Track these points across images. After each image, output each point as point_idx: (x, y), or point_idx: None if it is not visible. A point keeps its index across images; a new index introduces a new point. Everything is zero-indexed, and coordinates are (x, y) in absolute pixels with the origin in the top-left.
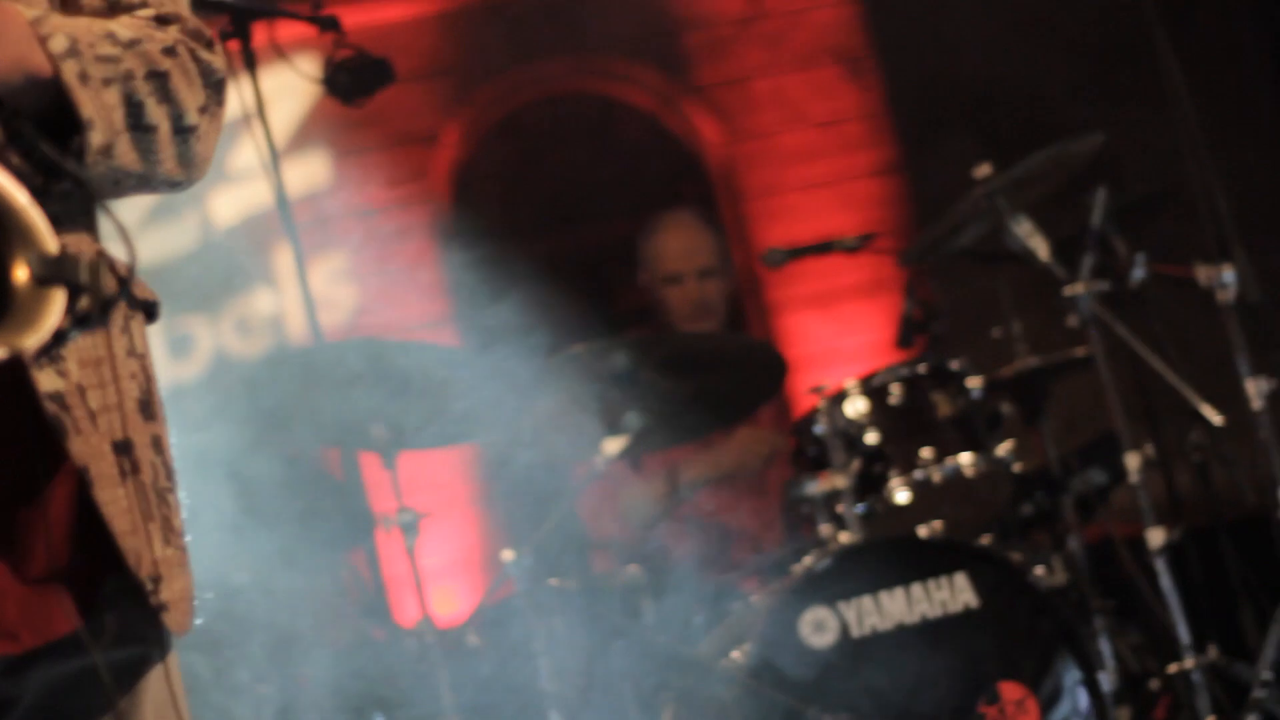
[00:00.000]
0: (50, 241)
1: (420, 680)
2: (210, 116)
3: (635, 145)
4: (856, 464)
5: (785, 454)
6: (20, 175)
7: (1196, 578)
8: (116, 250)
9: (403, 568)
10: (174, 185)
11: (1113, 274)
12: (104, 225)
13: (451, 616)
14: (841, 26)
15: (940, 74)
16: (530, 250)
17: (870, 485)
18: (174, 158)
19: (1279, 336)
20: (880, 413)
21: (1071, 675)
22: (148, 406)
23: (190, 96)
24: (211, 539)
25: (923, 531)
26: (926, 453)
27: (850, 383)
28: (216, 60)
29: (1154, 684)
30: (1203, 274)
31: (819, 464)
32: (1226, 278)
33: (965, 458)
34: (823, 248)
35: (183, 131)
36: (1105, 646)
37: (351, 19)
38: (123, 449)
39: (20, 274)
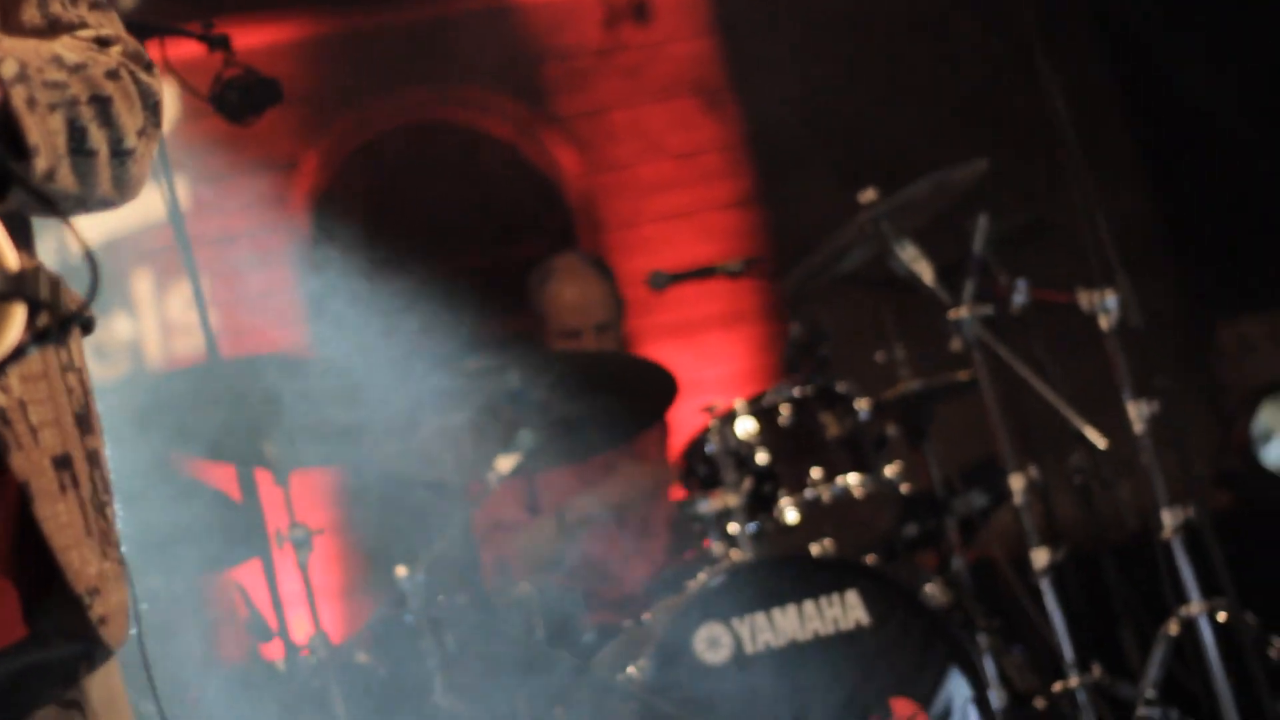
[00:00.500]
0: (10, 257)
1: (313, 697)
2: (147, 139)
3: (495, 175)
4: (748, 483)
5: (669, 486)
6: None
7: (1079, 599)
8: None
9: (295, 585)
10: (107, 205)
11: (994, 299)
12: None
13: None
14: (700, 59)
15: (798, 107)
16: (387, 279)
17: (760, 504)
18: (110, 180)
19: (1160, 361)
20: (770, 432)
21: (962, 693)
22: (85, 420)
23: (130, 120)
24: None
25: (815, 550)
26: (816, 473)
27: (739, 402)
28: (155, 83)
29: (1039, 702)
30: (1085, 299)
31: (710, 483)
32: (1109, 303)
33: (854, 478)
34: (706, 272)
35: (120, 155)
36: (990, 664)
37: (186, 49)
38: (62, 464)
39: None
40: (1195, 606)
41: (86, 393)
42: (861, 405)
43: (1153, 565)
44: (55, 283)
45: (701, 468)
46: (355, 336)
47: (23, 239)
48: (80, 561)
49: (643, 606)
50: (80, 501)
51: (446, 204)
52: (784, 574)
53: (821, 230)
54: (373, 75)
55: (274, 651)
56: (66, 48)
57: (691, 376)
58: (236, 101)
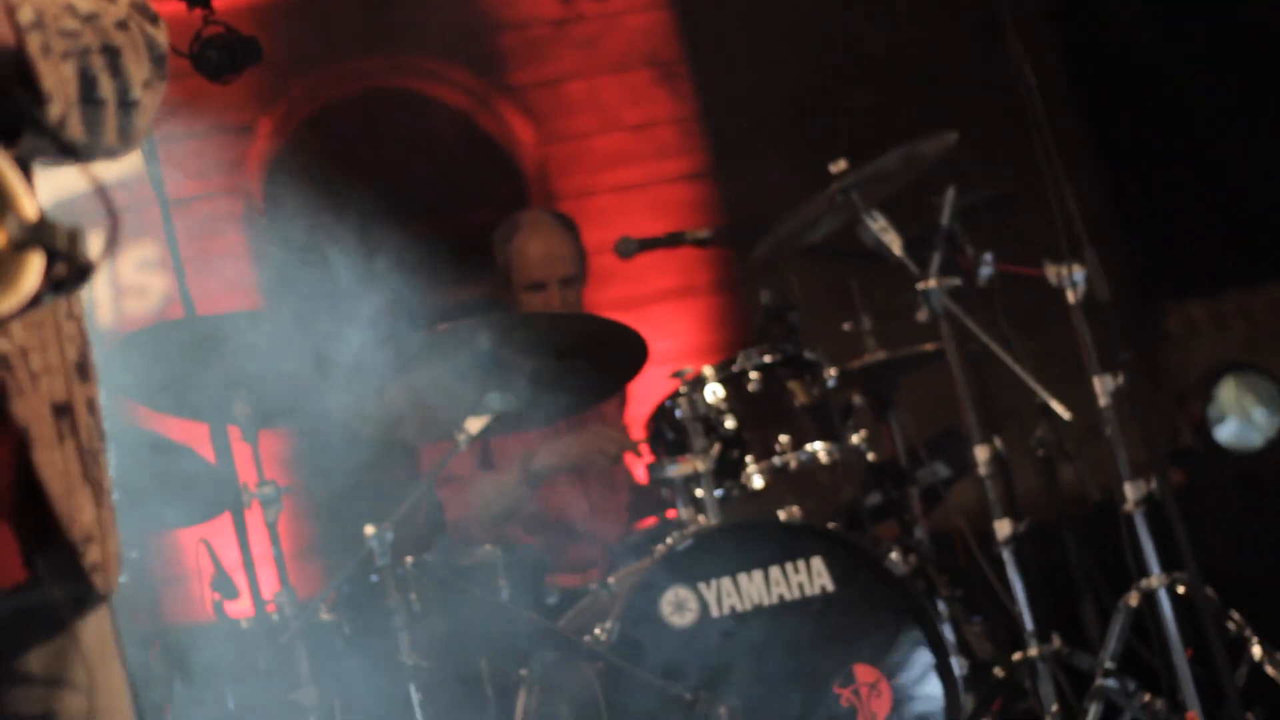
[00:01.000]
0: (29, 206)
1: (278, 654)
2: (152, 92)
3: (449, 144)
4: (715, 448)
5: (635, 451)
6: None
7: (1040, 570)
8: None
9: (262, 542)
10: (111, 155)
11: (961, 271)
12: None
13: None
14: (655, 32)
15: (752, 82)
16: (342, 245)
17: (728, 470)
18: (115, 130)
19: (1126, 335)
20: (738, 399)
21: (924, 660)
22: (84, 368)
23: (137, 71)
24: None
25: (782, 516)
26: (783, 440)
27: (708, 368)
28: (160, 35)
29: (998, 671)
30: (1053, 273)
31: (678, 448)
32: (1076, 277)
33: (820, 446)
34: (674, 240)
35: (127, 106)
36: (950, 634)
37: (167, 7)
38: (61, 411)
39: None
40: (1156, 579)
41: (85, 341)
42: (830, 374)
43: (1113, 537)
44: (74, 233)
45: (669, 433)
46: (307, 299)
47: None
48: (76, 509)
49: (605, 567)
50: (77, 449)
51: (400, 172)
52: (750, 539)
53: (775, 204)
54: (328, 42)
55: (240, 609)
56: None
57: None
58: (216, 60)
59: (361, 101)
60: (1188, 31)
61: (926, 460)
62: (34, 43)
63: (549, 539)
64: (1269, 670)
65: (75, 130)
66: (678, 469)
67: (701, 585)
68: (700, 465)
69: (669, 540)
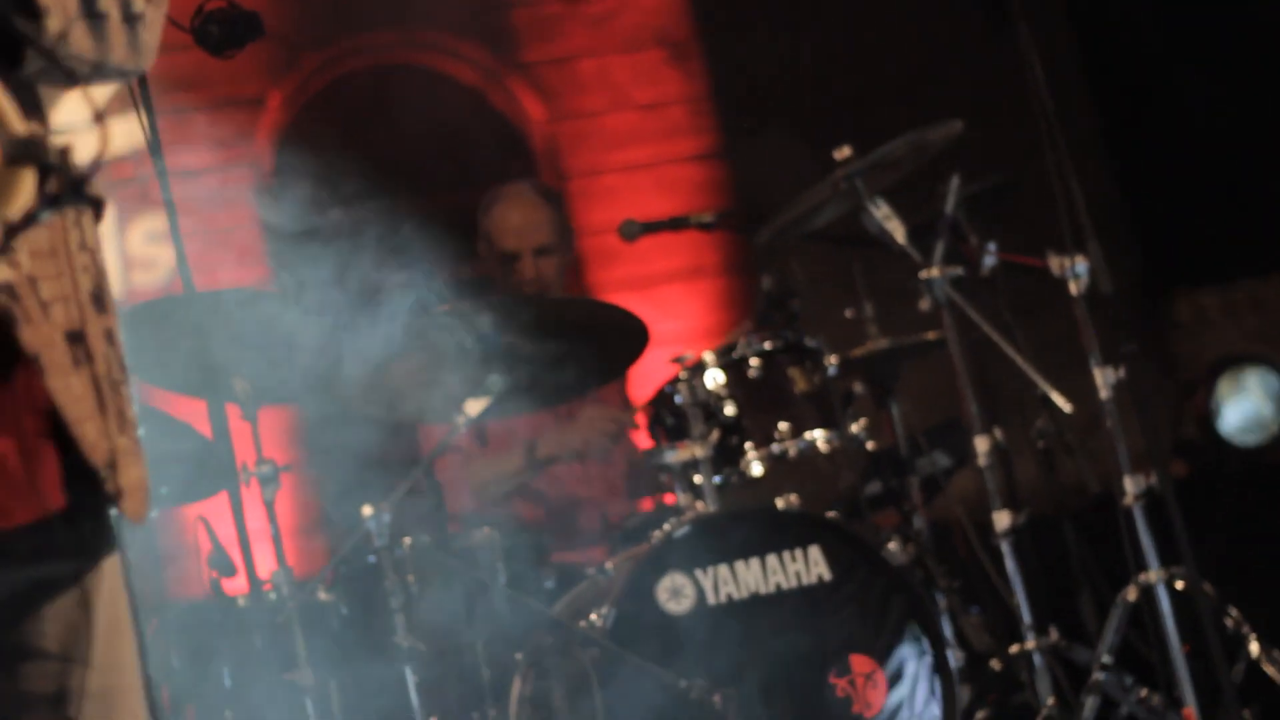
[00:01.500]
0: (17, 123)
1: (275, 633)
2: (155, 6)
3: (459, 120)
4: (715, 435)
5: (632, 432)
6: None
7: (1039, 562)
8: None
9: (259, 520)
10: (124, 75)
11: (964, 261)
12: None
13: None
14: (667, 11)
15: (764, 63)
16: (352, 220)
17: (727, 456)
18: (125, 45)
19: (1128, 328)
20: (738, 385)
21: (919, 651)
22: (100, 299)
23: None
24: None
25: (779, 504)
26: (783, 427)
27: (709, 354)
28: None
29: (995, 664)
30: (1056, 264)
31: (677, 434)
32: (1079, 268)
33: (820, 434)
34: (678, 223)
35: (131, 20)
36: (948, 625)
37: None
38: (75, 339)
39: None
40: (1154, 574)
41: (100, 273)
42: (830, 361)
43: (1112, 531)
44: (64, 149)
45: (669, 418)
46: (315, 275)
47: (33, 109)
48: (96, 434)
49: (607, 545)
50: (94, 377)
51: (410, 147)
52: (748, 527)
53: (784, 187)
54: (340, 16)
55: (237, 587)
56: None
57: (650, 330)
58: (217, 35)
59: (372, 76)
60: (1202, 20)
61: (926, 450)
62: None
63: (549, 514)
64: (1266, 668)
65: (82, 45)
66: (676, 455)
67: (699, 572)
68: (699, 451)
69: (666, 526)
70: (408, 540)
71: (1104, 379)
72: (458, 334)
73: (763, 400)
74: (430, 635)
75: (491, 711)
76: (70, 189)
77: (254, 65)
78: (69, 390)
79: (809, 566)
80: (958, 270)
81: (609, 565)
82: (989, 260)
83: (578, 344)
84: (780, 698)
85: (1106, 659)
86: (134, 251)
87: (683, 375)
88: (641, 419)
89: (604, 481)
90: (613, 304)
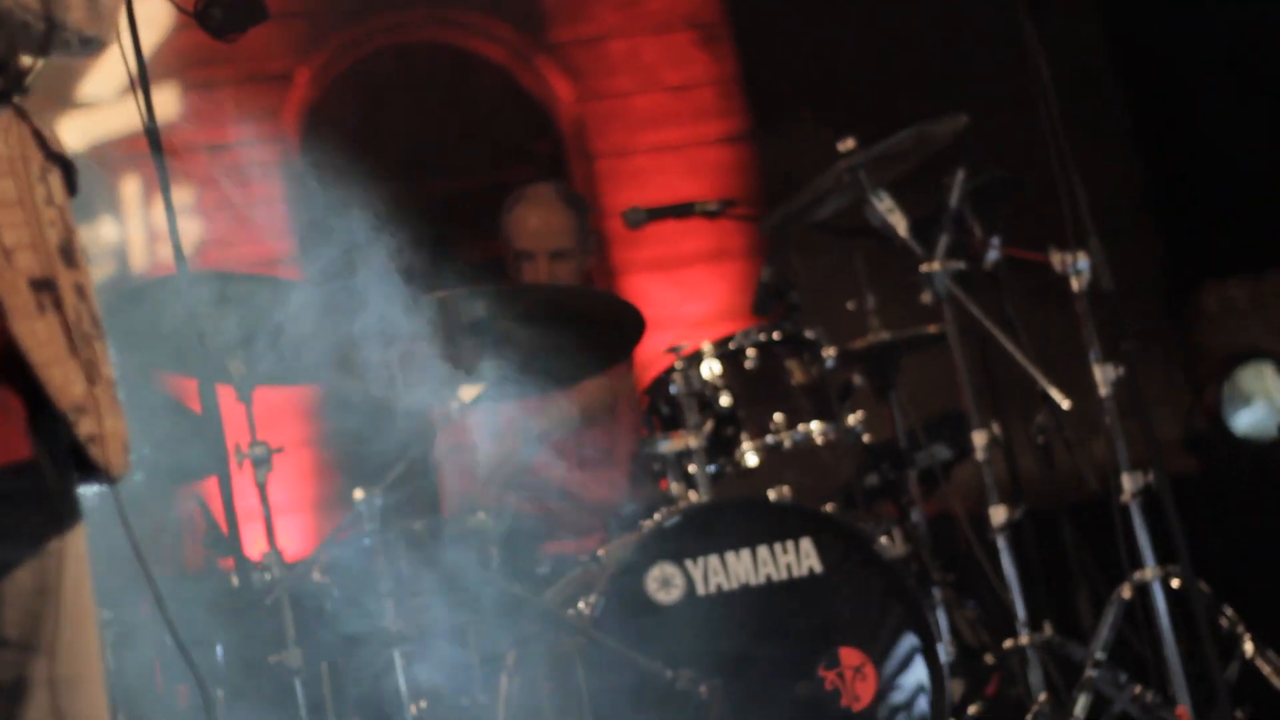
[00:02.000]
0: None
1: (265, 614)
2: None
3: (487, 99)
4: (709, 425)
5: (629, 401)
6: None
7: (1035, 557)
8: None
9: (253, 501)
10: (86, 42)
11: (968, 254)
12: None
13: (292, 552)
14: None
15: (794, 46)
16: (377, 197)
17: (721, 447)
18: (83, 7)
19: (1142, 320)
20: (735, 376)
21: (911, 645)
22: (69, 254)
23: None
24: None
25: (772, 495)
26: (778, 418)
27: (706, 345)
28: None
29: (988, 658)
30: (1058, 259)
31: (672, 423)
32: (1081, 264)
33: (816, 426)
34: (683, 210)
35: None
36: (942, 619)
37: None
38: (42, 285)
39: None
40: (1150, 572)
41: (69, 229)
42: (828, 353)
43: (1109, 527)
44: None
45: (664, 408)
46: (333, 255)
47: None
48: (63, 379)
49: (601, 536)
50: (63, 324)
51: (436, 126)
52: (740, 518)
53: (810, 172)
54: None
55: (230, 566)
56: None
57: (673, 312)
58: (220, 18)
59: (401, 54)
60: (1232, 11)
61: (925, 443)
62: None
63: (549, 504)
64: (1261, 667)
65: (32, 2)
66: (670, 444)
67: (688, 563)
68: (693, 441)
69: (656, 516)
70: (401, 524)
71: (1104, 376)
72: (452, 320)
73: (759, 391)
74: (421, 620)
75: (481, 697)
76: (13, 81)
77: (282, 41)
78: (34, 335)
79: (800, 559)
80: (959, 264)
81: (601, 553)
82: (992, 255)
83: (572, 332)
84: (768, 690)
85: (1100, 656)
86: (159, 224)
87: (678, 365)
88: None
89: (603, 473)
90: (610, 293)
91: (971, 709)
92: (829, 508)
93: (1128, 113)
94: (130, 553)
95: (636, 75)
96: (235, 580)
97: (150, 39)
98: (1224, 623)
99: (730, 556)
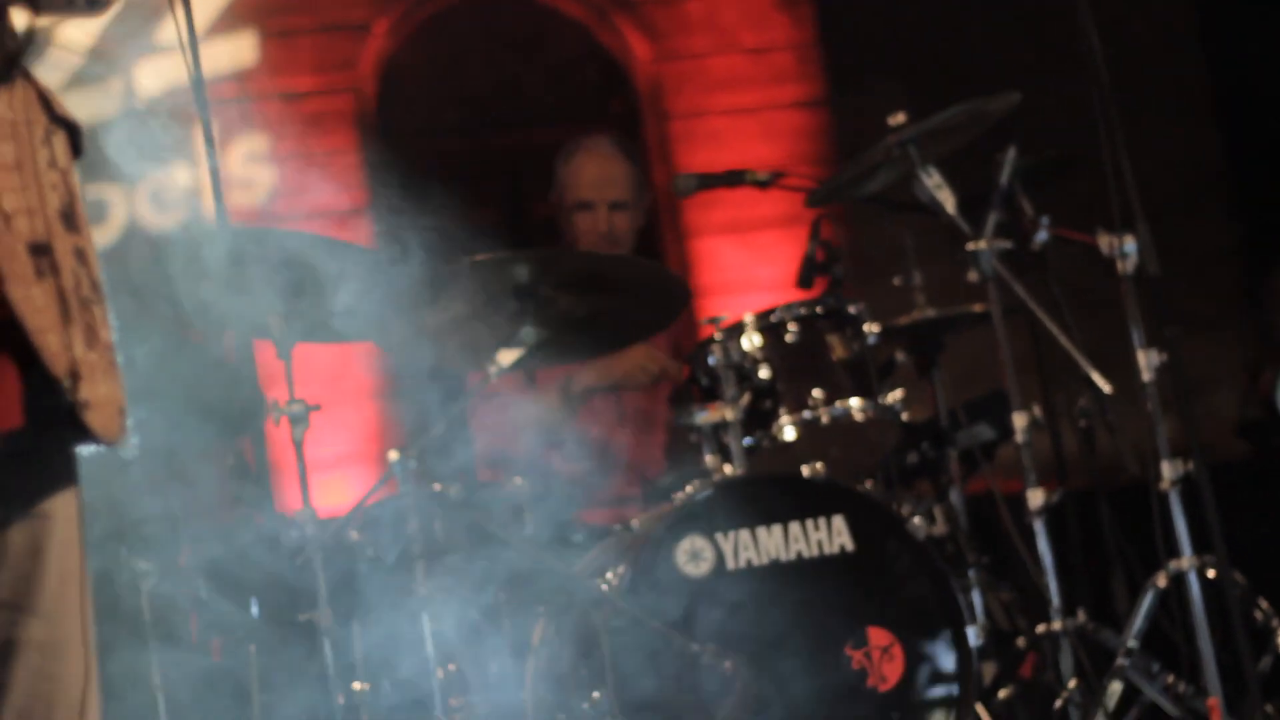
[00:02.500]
0: None
1: (297, 570)
2: None
3: (564, 56)
4: (746, 398)
5: (675, 377)
6: None
7: (1073, 541)
8: None
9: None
10: (91, 3)
11: (1017, 234)
12: None
13: (338, 507)
14: None
15: (873, 14)
16: (450, 150)
17: (759, 420)
18: None
19: (1173, 311)
20: (775, 349)
21: (941, 627)
22: (70, 218)
23: None
24: None
25: (805, 471)
26: (817, 393)
27: (748, 316)
28: None
29: (1020, 642)
30: (1105, 242)
31: (710, 394)
32: (1128, 248)
33: (855, 402)
34: (733, 178)
35: None
36: (977, 601)
37: None
38: (39, 250)
39: None
40: (1185, 561)
41: (72, 194)
42: (871, 329)
43: (1148, 513)
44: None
45: (703, 378)
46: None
47: None
48: (58, 345)
49: (641, 506)
50: (59, 290)
51: (512, 81)
52: (772, 493)
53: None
54: None
55: (265, 521)
56: None
57: (744, 275)
58: None
59: (479, 8)
60: None
61: (965, 423)
62: None
63: (587, 470)
64: None
65: None
66: (706, 416)
67: (719, 536)
68: (729, 414)
69: (689, 488)
70: (437, 486)
71: (1147, 361)
72: (493, 284)
73: (799, 365)
74: (452, 584)
75: (508, 663)
76: (5, 63)
77: None
78: (30, 300)
79: (832, 536)
80: (1005, 244)
81: (634, 523)
82: (1041, 235)
83: (615, 300)
84: (793, 668)
85: (1132, 644)
86: (233, 171)
87: (718, 336)
88: (683, 370)
89: (643, 442)
90: (656, 263)
91: (1002, 692)
92: (867, 485)
93: (1214, 87)
94: (175, 507)
95: (715, 36)
96: (271, 536)
97: None
98: (1259, 615)
99: (762, 531)
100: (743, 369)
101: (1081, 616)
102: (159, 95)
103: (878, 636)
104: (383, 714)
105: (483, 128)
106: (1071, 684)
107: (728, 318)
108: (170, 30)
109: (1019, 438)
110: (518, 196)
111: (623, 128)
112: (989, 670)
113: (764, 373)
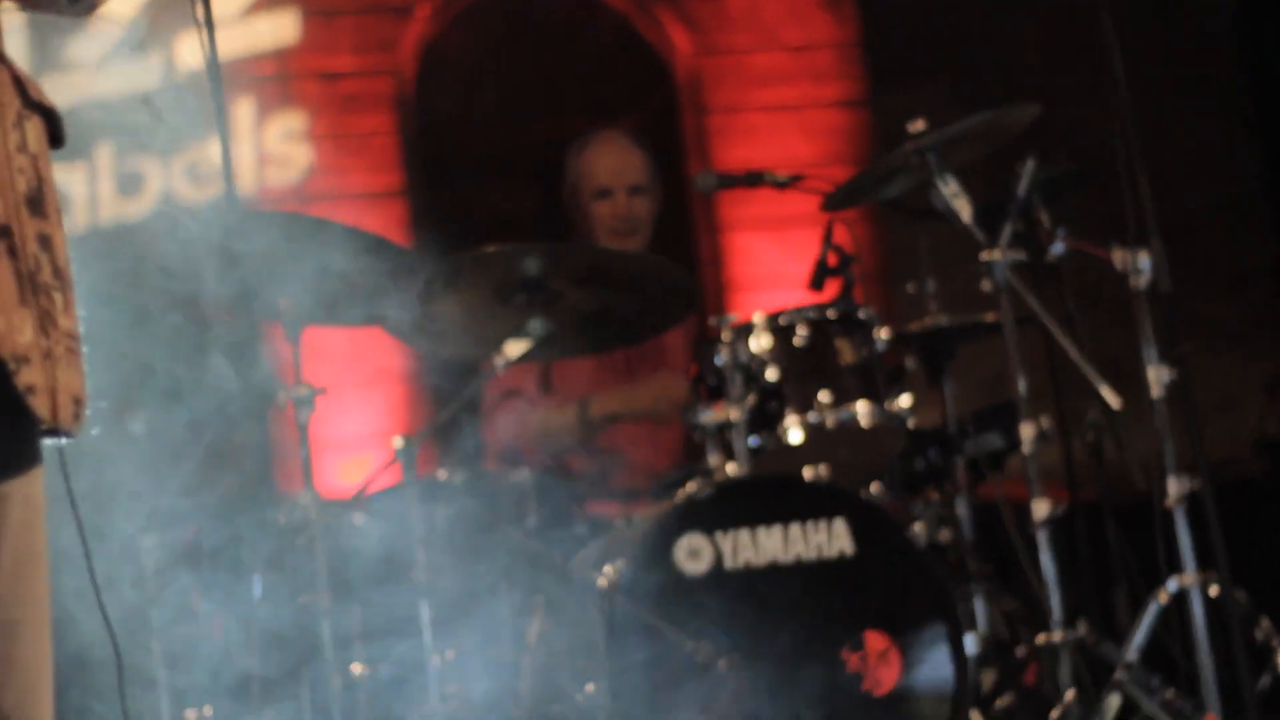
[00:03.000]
0: None
1: (299, 552)
2: None
3: (604, 46)
4: (752, 398)
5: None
6: None
7: (1078, 553)
8: None
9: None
10: (74, 2)
11: (1032, 245)
12: None
13: (352, 488)
14: None
15: (918, 15)
16: (486, 136)
17: (764, 421)
18: None
19: (1201, 325)
20: (783, 351)
21: (937, 633)
22: (37, 204)
23: None
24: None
25: (808, 473)
26: (824, 396)
27: (757, 317)
28: None
29: (1020, 651)
30: (1119, 258)
31: (716, 394)
32: (1142, 264)
33: (862, 406)
34: (753, 179)
35: None
36: (980, 609)
37: None
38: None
39: None
40: (1188, 578)
41: (41, 179)
42: (880, 334)
43: (1152, 529)
44: None
45: (710, 377)
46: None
47: None
48: (7, 326)
49: (648, 501)
50: (17, 273)
51: (551, 69)
52: (774, 494)
53: None
54: None
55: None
56: None
57: (777, 270)
58: None
59: None
60: None
61: (973, 431)
62: None
63: (598, 465)
64: None
65: None
66: (711, 415)
67: (719, 535)
68: (734, 413)
69: (691, 486)
70: (441, 473)
71: (1157, 378)
72: (504, 276)
73: (806, 368)
74: (452, 572)
75: (507, 654)
76: None
77: None
78: None
79: (832, 539)
80: (1021, 255)
81: (634, 518)
82: (1058, 247)
83: (624, 296)
84: (788, 668)
85: (1131, 658)
86: (270, 148)
87: (726, 336)
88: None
89: (658, 442)
90: (663, 259)
91: (1000, 701)
92: (872, 489)
93: (1258, 101)
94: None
95: (756, 32)
96: (277, 517)
97: None
98: (1259, 634)
99: (762, 532)
100: (750, 369)
101: (1082, 628)
102: (200, 70)
103: (875, 640)
104: (379, 698)
105: (520, 115)
106: (1069, 695)
107: (736, 317)
108: (214, 3)
109: (1025, 449)
110: (553, 185)
111: (660, 120)
112: (988, 678)
113: (771, 374)
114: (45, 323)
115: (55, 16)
